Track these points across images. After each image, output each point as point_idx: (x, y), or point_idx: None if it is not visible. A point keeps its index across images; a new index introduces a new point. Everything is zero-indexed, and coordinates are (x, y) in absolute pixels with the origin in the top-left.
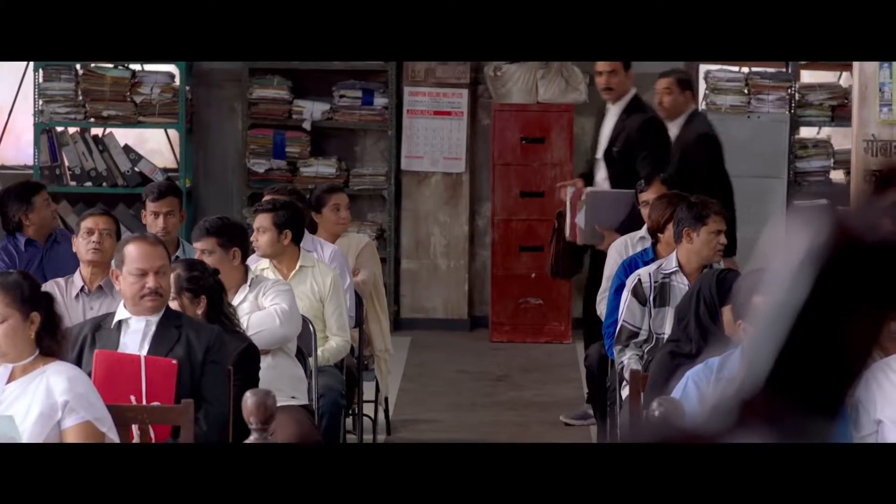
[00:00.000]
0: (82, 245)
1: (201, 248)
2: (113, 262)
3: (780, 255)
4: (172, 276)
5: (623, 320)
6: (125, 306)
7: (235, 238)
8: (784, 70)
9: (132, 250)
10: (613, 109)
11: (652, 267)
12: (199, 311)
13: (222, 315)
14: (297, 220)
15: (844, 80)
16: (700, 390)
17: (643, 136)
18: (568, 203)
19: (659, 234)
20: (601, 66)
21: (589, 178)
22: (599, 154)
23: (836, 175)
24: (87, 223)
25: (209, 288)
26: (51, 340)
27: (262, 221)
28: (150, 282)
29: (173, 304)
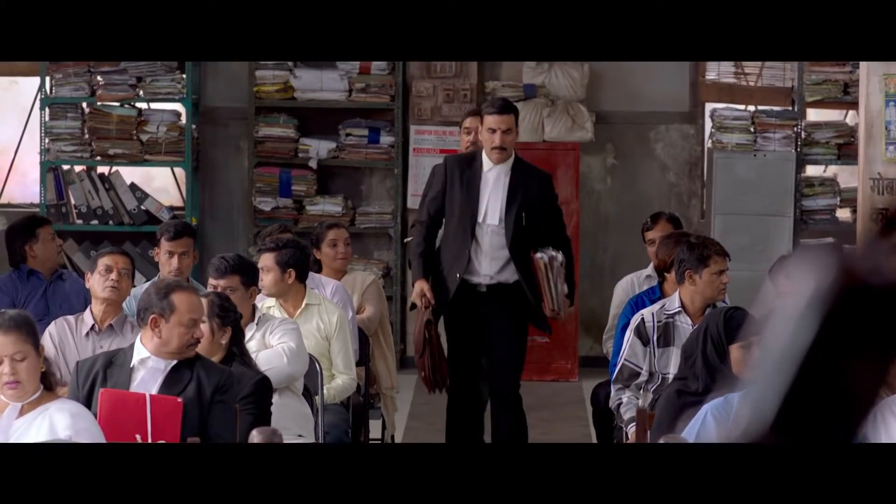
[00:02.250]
0: (99, 282)
1: (224, 286)
2: (145, 306)
3: (786, 296)
4: (205, 302)
5: (624, 359)
6: (158, 349)
7: (255, 276)
8: (790, 108)
9: (183, 301)
10: (497, 170)
11: (655, 307)
12: (224, 341)
13: (242, 351)
14: (300, 259)
15: (850, 118)
16: (718, 423)
17: (551, 191)
18: (546, 273)
19: (665, 274)
20: (494, 122)
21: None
22: (493, 219)
23: (843, 213)
24: (106, 261)
25: (236, 322)
26: (48, 373)
27: (265, 261)
28: (199, 332)
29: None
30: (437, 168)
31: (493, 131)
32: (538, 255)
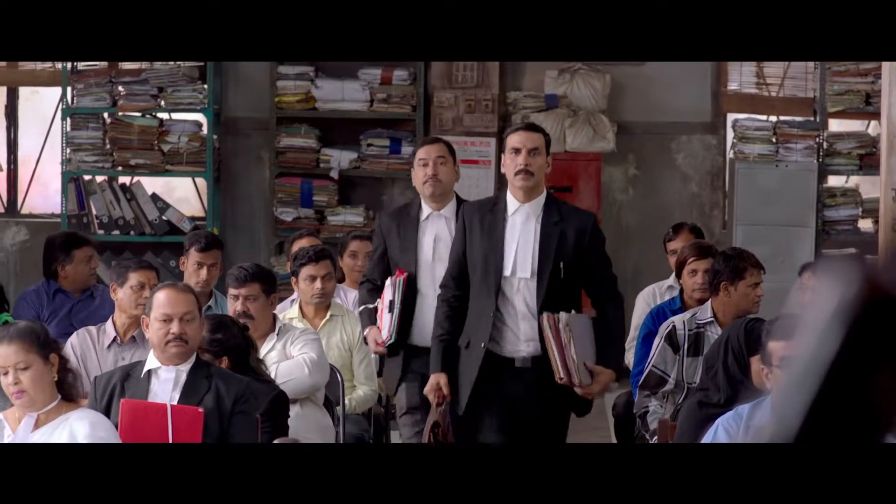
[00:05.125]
0: (132, 299)
1: (246, 294)
2: (145, 312)
3: (810, 308)
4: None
5: (653, 365)
6: (154, 355)
7: (274, 285)
8: (812, 119)
9: (160, 296)
10: (526, 210)
11: (686, 315)
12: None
13: (249, 371)
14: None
15: (872, 128)
16: (730, 437)
17: (597, 234)
18: (551, 339)
19: (680, 281)
20: (518, 139)
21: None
22: (524, 272)
23: (865, 224)
24: (139, 277)
25: (233, 348)
26: (69, 384)
27: (329, 267)
28: (175, 327)
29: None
30: (383, 220)
31: (517, 151)
32: (543, 314)
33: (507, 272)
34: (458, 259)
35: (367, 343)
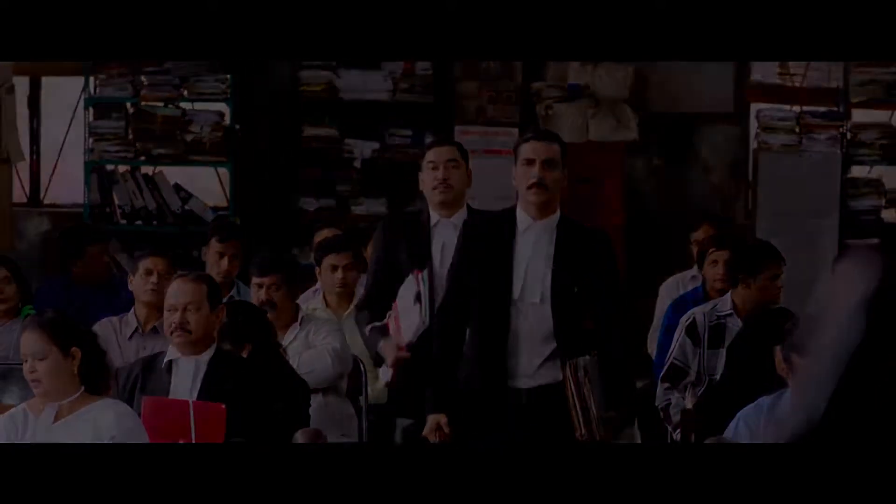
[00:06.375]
0: (140, 285)
1: (269, 283)
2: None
3: (835, 299)
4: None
5: (674, 358)
6: (173, 345)
7: (298, 275)
8: (836, 109)
9: (171, 287)
10: (538, 229)
11: (706, 307)
12: (245, 356)
13: (271, 357)
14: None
15: None
16: (751, 430)
17: (611, 257)
18: (573, 391)
19: (703, 274)
20: (532, 150)
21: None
22: (534, 296)
23: (888, 214)
24: (147, 264)
25: (253, 333)
26: (96, 377)
27: (350, 257)
28: (176, 317)
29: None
30: (389, 225)
31: (530, 162)
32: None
33: (515, 296)
34: (457, 282)
35: (379, 365)
